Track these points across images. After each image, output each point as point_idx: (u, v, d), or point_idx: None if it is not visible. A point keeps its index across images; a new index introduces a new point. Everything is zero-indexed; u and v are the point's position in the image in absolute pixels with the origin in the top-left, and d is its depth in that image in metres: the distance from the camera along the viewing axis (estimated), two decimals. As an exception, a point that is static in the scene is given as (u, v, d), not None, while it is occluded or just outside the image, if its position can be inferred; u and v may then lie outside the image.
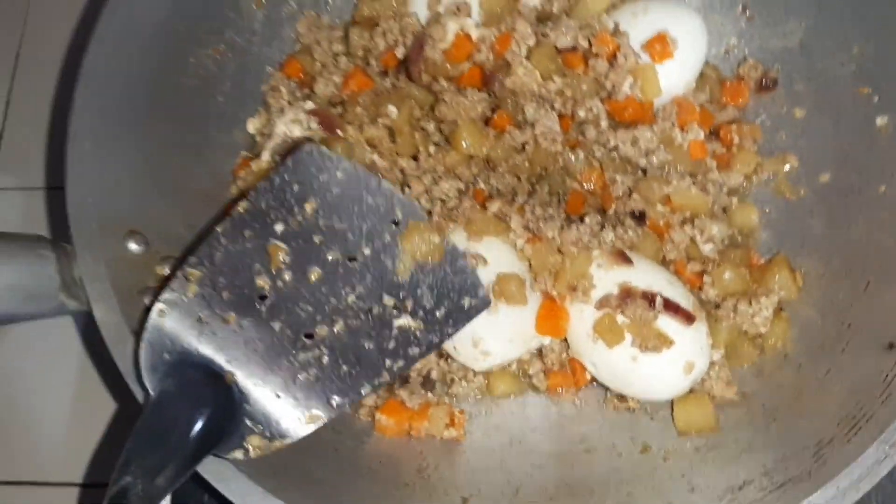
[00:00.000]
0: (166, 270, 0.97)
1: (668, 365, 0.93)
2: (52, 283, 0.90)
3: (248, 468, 0.85)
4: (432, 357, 1.02)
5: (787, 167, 1.09)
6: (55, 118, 1.34)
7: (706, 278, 1.01)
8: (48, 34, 1.40)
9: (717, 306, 1.00)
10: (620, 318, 0.92)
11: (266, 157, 1.06)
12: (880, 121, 1.01)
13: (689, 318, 0.93)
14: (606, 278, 0.95)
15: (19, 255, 0.89)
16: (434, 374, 1.03)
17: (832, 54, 1.07)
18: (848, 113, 1.05)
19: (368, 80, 1.08)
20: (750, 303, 0.97)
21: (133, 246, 0.96)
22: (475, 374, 1.03)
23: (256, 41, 1.16)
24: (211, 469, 0.84)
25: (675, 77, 1.06)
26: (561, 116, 1.03)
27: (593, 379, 1.01)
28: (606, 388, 1.01)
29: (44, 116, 1.34)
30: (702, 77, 1.11)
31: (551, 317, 0.96)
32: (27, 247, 0.91)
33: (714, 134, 1.10)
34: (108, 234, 0.93)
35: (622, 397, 1.00)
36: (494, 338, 0.96)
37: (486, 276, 0.94)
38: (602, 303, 0.93)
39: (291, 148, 1.01)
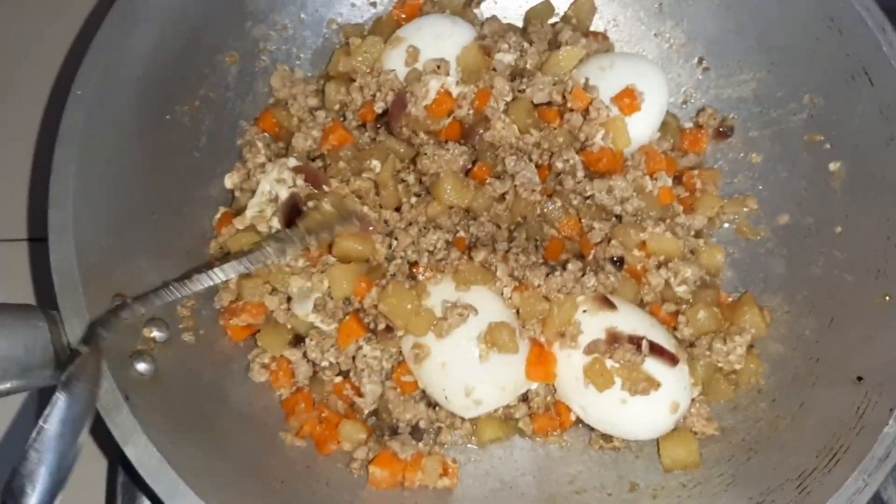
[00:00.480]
0: (154, 332, 0.97)
1: (656, 406, 0.97)
2: (45, 354, 0.88)
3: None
4: (421, 406, 1.04)
5: (746, 209, 1.15)
6: (36, 169, 1.31)
7: (681, 318, 1.06)
8: (26, 87, 1.37)
9: (692, 345, 1.05)
10: (609, 363, 0.96)
11: (250, 213, 1.07)
12: (833, 166, 1.08)
13: (673, 359, 0.97)
14: (593, 323, 0.98)
15: (13, 326, 0.86)
16: (422, 424, 1.04)
17: (784, 104, 1.14)
18: (802, 159, 1.12)
19: (347, 135, 1.10)
20: (724, 341, 1.02)
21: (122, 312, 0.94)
22: (462, 420, 1.05)
23: (231, 96, 1.17)
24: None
25: (641, 127, 1.12)
26: (539, 167, 1.08)
27: (578, 420, 1.05)
28: (591, 429, 1.04)
29: (25, 167, 1.31)
30: (664, 126, 1.17)
31: (541, 363, 0.99)
32: (21, 318, 0.88)
33: (677, 179, 1.16)
34: (93, 298, 0.91)
35: (607, 437, 1.04)
36: (487, 386, 0.98)
37: (476, 325, 0.97)
38: (591, 348, 0.97)
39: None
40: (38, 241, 1.26)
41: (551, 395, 1.05)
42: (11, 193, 1.29)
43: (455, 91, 1.10)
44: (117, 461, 1.07)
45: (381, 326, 1.00)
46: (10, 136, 1.33)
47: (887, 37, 1.03)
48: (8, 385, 0.86)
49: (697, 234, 1.14)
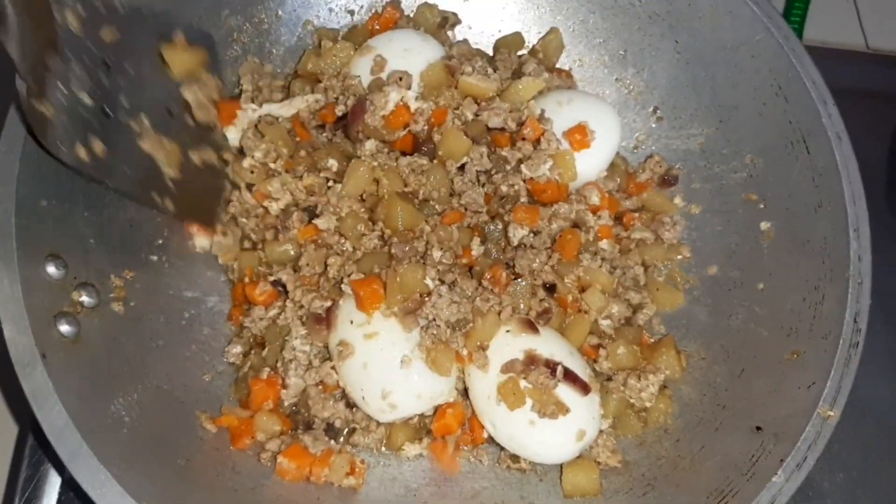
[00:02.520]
0: (83, 297, 0.98)
1: (563, 431, 0.99)
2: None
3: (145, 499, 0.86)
4: (340, 406, 1.05)
5: (680, 257, 1.19)
6: None
7: (602, 352, 1.09)
8: None
9: (609, 378, 1.08)
10: (523, 384, 0.99)
11: None
12: (764, 225, 1.13)
13: (585, 388, 1.00)
14: (513, 343, 1.01)
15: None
16: (338, 423, 1.06)
17: (728, 161, 1.20)
18: (737, 215, 1.17)
19: (306, 133, 1.13)
20: (639, 378, 1.06)
21: (52, 269, 0.95)
22: (377, 425, 1.06)
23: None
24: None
25: (590, 164, 1.16)
26: (484, 188, 1.11)
27: (490, 438, 1.07)
28: (502, 448, 1.07)
29: None
30: (612, 166, 1.21)
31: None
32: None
33: (618, 219, 1.20)
34: (27, 255, 0.92)
35: (515, 458, 1.06)
36: (404, 392, 1.00)
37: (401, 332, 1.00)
38: (508, 367, 0.99)
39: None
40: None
41: (468, 410, 1.07)
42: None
43: (413, 105, 1.13)
44: (28, 427, 1.07)
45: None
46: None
47: (827, 109, 1.08)
48: None
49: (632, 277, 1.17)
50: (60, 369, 0.89)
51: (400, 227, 1.07)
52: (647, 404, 1.07)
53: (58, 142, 0.92)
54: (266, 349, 1.08)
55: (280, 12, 1.25)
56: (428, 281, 1.03)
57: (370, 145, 1.11)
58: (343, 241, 1.08)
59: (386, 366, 1.00)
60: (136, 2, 1.03)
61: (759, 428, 0.97)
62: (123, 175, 1.00)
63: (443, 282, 1.04)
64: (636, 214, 1.21)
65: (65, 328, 0.93)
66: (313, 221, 1.08)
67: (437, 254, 1.04)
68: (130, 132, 1.01)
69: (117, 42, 0.99)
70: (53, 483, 1.06)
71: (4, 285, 0.89)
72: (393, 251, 1.04)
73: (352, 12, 1.29)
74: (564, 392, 0.99)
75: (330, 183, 1.11)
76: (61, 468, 0.93)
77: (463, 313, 1.02)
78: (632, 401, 1.07)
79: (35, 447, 1.06)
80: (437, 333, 1.01)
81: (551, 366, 0.99)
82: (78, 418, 0.87)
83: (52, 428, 0.86)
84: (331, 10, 1.28)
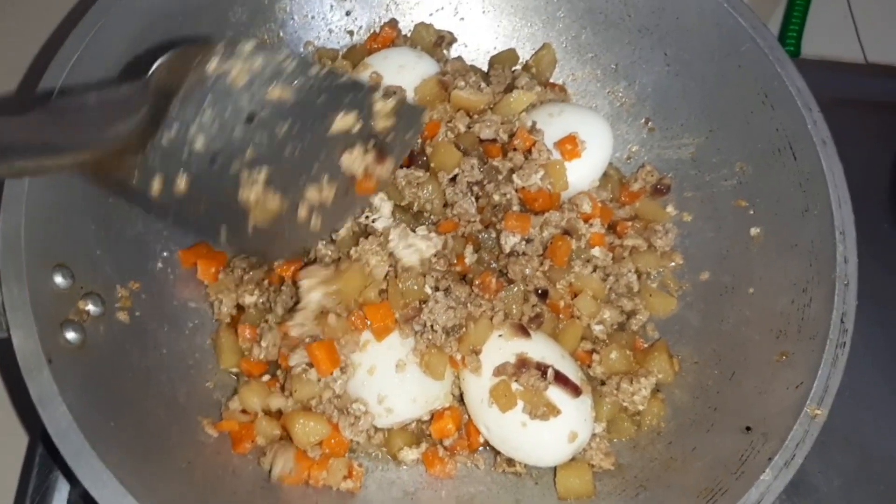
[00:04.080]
0: (89, 306, 1.01)
1: (554, 432, 1.01)
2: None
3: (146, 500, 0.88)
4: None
5: (673, 264, 1.21)
6: None
7: (595, 357, 1.11)
8: None
9: (603, 383, 1.10)
10: (515, 386, 1.01)
11: None
12: (754, 231, 1.15)
13: (576, 390, 1.02)
14: (505, 347, 1.03)
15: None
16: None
17: (718, 169, 1.22)
18: (728, 221, 1.19)
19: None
20: (631, 382, 1.07)
21: (59, 279, 0.99)
22: (375, 430, 1.08)
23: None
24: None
25: (581, 174, 1.19)
26: (477, 198, 1.14)
27: (486, 443, 1.09)
28: (497, 453, 1.08)
29: None
30: (605, 176, 1.24)
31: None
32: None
33: (611, 228, 1.22)
34: (35, 264, 0.96)
35: (510, 461, 1.08)
36: (399, 396, 1.03)
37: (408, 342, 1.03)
38: (499, 370, 1.02)
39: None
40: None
41: (465, 415, 1.09)
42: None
43: (406, 119, 1.16)
44: (38, 437, 1.11)
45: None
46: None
47: (812, 116, 1.10)
48: None
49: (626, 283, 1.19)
50: (66, 374, 0.92)
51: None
52: (640, 408, 1.08)
53: (135, 179, 0.87)
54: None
55: (281, 34, 1.30)
56: (427, 289, 1.06)
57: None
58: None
59: (381, 371, 1.03)
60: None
61: (748, 428, 0.99)
62: (193, 216, 0.92)
63: (438, 289, 1.07)
64: (629, 223, 1.23)
65: (71, 335, 0.97)
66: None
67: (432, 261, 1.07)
68: (232, 181, 0.91)
69: (285, 101, 0.91)
70: (62, 491, 1.09)
71: (13, 293, 0.93)
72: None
73: (351, 33, 1.34)
74: (555, 394, 1.01)
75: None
76: (70, 476, 0.96)
77: (458, 318, 1.04)
78: (625, 404, 1.08)
79: (45, 456, 1.09)
80: (432, 339, 1.03)
81: (542, 368, 1.01)
82: (82, 420, 0.89)
83: (56, 429, 0.88)
84: (330, 31, 1.33)
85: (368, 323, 1.03)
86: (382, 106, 0.96)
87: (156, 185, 0.88)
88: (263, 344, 1.08)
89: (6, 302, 0.93)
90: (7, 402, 1.19)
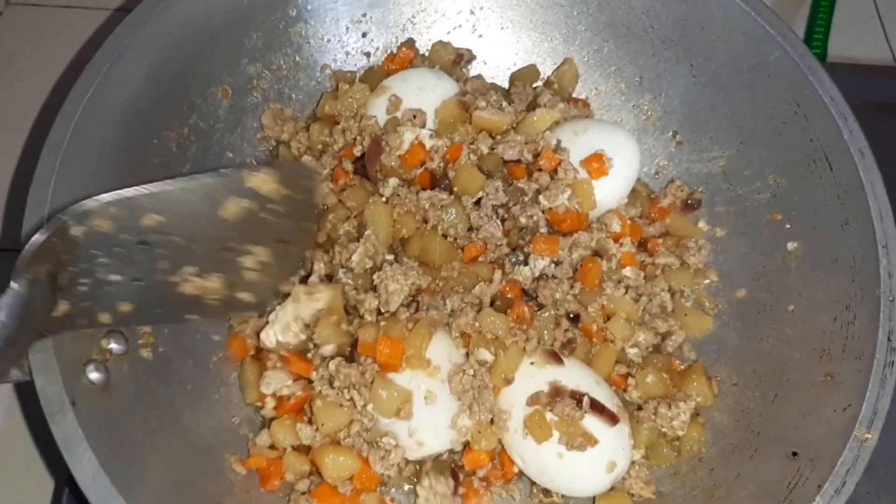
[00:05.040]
0: (111, 344, 0.99)
1: (592, 463, 0.98)
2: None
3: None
4: None
5: (707, 281, 1.18)
6: (15, 183, 1.36)
7: (630, 381, 1.08)
8: (17, 105, 1.44)
9: (640, 408, 1.07)
10: (549, 416, 0.98)
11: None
12: (791, 245, 1.11)
13: (613, 418, 0.98)
14: (538, 375, 1.00)
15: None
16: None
17: (750, 182, 1.18)
18: (763, 236, 1.15)
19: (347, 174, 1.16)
20: (669, 406, 1.04)
21: (81, 318, 0.97)
22: (407, 463, 1.06)
23: (220, 127, 1.22)
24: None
25: (609, 192, 1.16)
26: (503, 221, 1.11)
27: (521, 472, 1.05)
28: (533, 483, 1.05)
29: (5, 180, 1.37)
30: (633, 192, 1.21)
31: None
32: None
33: (642, 246, 1.19)
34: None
35: (547, 492, 1.04)
36: (429, 429, 1.00)
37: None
38: (533, 400, 0.98)
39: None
40: (10, 251, 1.30)
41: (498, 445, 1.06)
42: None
43: (428, 143, 1.14)
44: (63, 481, 1.09)
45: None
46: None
47: (848, 125, 1.06)
48: None
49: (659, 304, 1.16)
50: (90, 416, 0.90)
51: (437, 262, 1.08)
52: (680, 433, 1.04)
53: (80, 322, 0.93)
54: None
55: (297, 58, 1.28)
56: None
57: (392, 183, 1.12)
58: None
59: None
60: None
61: (794, 454, 0.95)
62: (152, 317, 1.00)
63: None
64: (660, 240, 1.20)
65: (94, 375, 0.94)
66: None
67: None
68: (167, 285, 0.97)
69: (161, 222, 0.93)
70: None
71: (36, 337, 0.91)
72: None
73: (368, 54, 1.32)
74: (592, 423, 0.98)
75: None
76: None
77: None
78: (664, 430, 1.05)
79: (70, 500, 1.07)
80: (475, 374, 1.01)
81: (577, 397, 0.98)
82: (108, 465, 0.87)
83: (82, 475, 0.86)
84: (347, 53, 1.31)
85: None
86: (261, 182, 0.96)
87: (104, 318, 0.94)
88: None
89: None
90: (31, 445, 1.17)
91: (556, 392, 0.98)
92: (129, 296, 0.95)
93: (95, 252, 0.91)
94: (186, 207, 0.94)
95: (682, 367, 1.12)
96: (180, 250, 0.95)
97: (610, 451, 0.98)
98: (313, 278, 1.09)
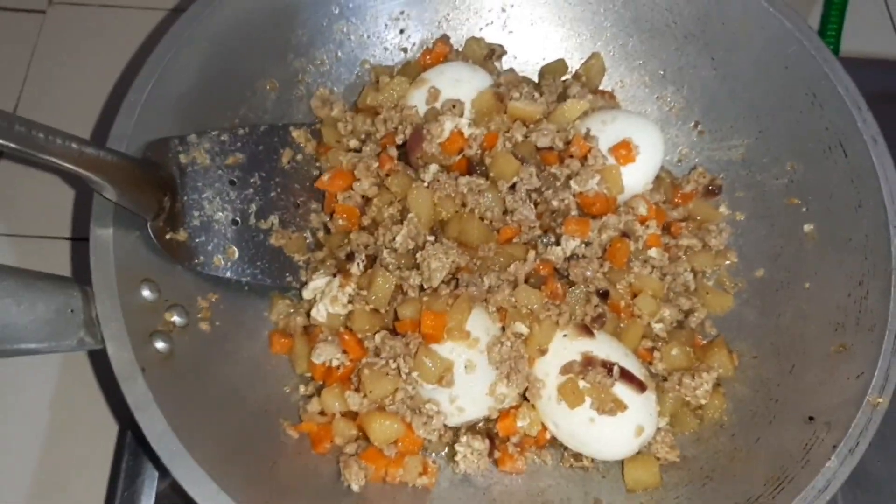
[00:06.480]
0: (174, 317, 1.07)
1: (621, 427, 1.05)
2: (75, 320, 0.99)
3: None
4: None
5: (728, 262, 1.25)
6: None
7: (656, 354, 1.15)
8: (81, 101, 1.53)
9: (665, 379, 1.14)
10: (582, 384, 1.05)
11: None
12: (807, 227, 1.18)
13: (641, 386, 1.06)
14: (571, 347, 1.08)
15: (50, 292, 0.98)
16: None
17: (768, 168, 1.25)
18: (780, 219, 1.22)
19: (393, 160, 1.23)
20: (693, 377, 1.11)
21: (146, 293, 1.05)
22: (446, 429, 1.13)
23: (267, 118, 1.29)
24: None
25: (635, 178, 1.22)
26: (536, 204, 1.18)
27: (553, 438, 1.13)
28: (564, 448, 1.12)
29: None
30: (658, 180, 1.28)
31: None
32: (57, 286, 0.99)
33: (666, 229, 1.26)
34: (124, 281, 1.02)
35: (578, 456, 1.12)
36: (469, 396, 1.07)
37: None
38: (566, 368, 1.06)
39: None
40: (79, 240, 1.40)
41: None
42: (59, 196, 1.44)
43: (467, 131, 1.21)
44: (127, 426, 1.18)
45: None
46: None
47: (862, 114, 1.13)
48: (36, 345, 0.97)
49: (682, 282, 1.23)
50: (158, 381, 0.97)
51: (475, 242, 1.15)
52: (703, 401, 1.11)
53: (198, 260, 1.11)
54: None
55: (339, 53, 1.36)
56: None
57: (433, 169, 1.20)
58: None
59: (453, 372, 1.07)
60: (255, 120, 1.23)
61: (811, 418, 1.02)
62: (257, 269, 1.17)
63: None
64: (683, 224, 1.27)
65: (160, 345, 1.03)
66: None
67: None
68: (260, 232, 1.18)
69: (242, 162, 1.17)
70: (151, 476, 1.15)
71: (106, 307, 0.99)
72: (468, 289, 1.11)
73: (405, 50, 1.39)
74: (621, 390, 1.05)
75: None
76: (156, 462, 1.02)
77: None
78: (687, 399, 1.12)
79: (133, 443, 1.16)
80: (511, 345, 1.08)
81: (608, 366, 1.05)
82: (175, 424, 0.95)
83: (153, 433, 0.94)
84: (385, 49, 1.39)
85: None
86: (298, 134, 1.25)
87: (219, 261, 1.14)
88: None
89: (100, 315, 0.99)
90: (99, 393, 1.29)
91: (588, 361, 1.05)
92: (232, 238, 1.14)
93: (199, 184, 1.12)
94: (256, 151, 1.19)
95: (705, 341, 1.19)
96: (261, 193, 1.17)
97: (638, 416, 1.05)
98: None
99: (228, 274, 1.14)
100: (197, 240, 1.11)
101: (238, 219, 1.16)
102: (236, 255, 1.15)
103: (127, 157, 1.03)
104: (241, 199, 1.16)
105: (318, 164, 1.26)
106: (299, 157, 1.23)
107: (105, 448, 1.23)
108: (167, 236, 1.08)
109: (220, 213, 1.14)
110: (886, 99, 1.61)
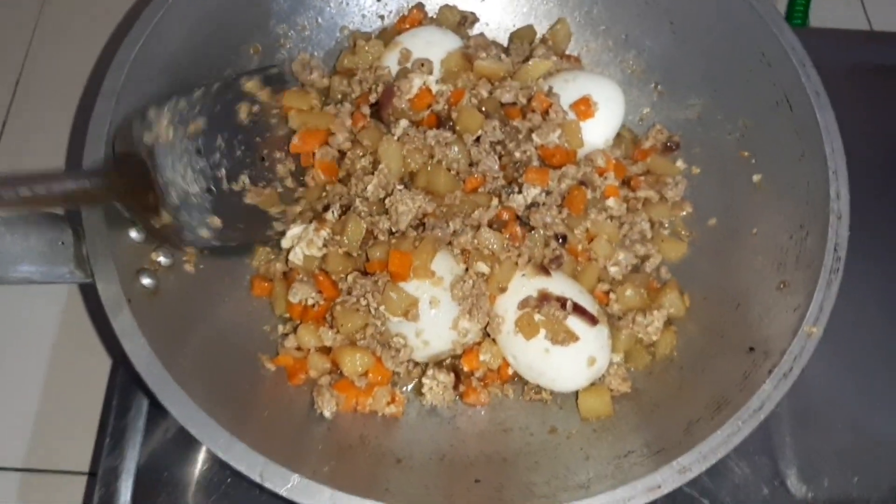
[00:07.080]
0: (160, 257, 1.15)
1: (575, 357, 1.13)
2: (66, 254, 1.07)
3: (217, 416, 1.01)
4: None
5: (683, 213, 1.32)
6: (76, 131, 1.56)
7: (611, 295, 1.22)
8: (74, 60, 1.66)
9: (620, 318, 1.21)
10: (537, 317, 1.12)
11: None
12: (756, 177, 1.25)
13: (593, 319, 1.13)
14: (528, 284, 1.15)
15: (43, 224, 1.07)
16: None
17: (722, 125, 1.32)
18: (732, 171, 1.29)
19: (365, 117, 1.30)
20: (645, 315, 1.18)
21: (134, 234, 1.14)
22: (415, 364, 1.20)
23: (249, 80, 1.37)
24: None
25: (595, 133, 1.30)
26: (500, 156, 1.26)
27: (515, 375, 1.20)
28: (525, 383, 1.20)
29: (64, 135, 1.60)
30: (618, 137, 1.35)
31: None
32: (49, 221, 1.08)
33: (626, 183, 1.33)
34: (113, 222, 1.10)
35: (537, 390, 1.19)
36: (433, 330, 1.15)
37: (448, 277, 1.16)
38: (523, 303, 1.13)
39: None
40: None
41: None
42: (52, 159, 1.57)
43: (435, 88, 1.29)
44: (119, 362, 1.26)
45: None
46: (51, 106, 1.63)
47: (806, 70, 1.20)
48: (28, 272, 1.05)
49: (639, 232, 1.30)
50: (143, 313, 1.05)
51: (442, 192, 1.22)
52: (654, 338, 1.19)
53: (186, 238, 1.12)
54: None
55: (319, 20, 1.43)
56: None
57: (403, 124, 1.27)
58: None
59: (418, 308, 1.15)
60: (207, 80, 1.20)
61: (751, 349, 1.09)
62: (240, 232, 1.18)
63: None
64: (642, 178, 1.34)
65: (146, 281, 1.10)
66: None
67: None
68: (235, 195, 1.15)
69: (203, 127, 1.13)
70: (141, 406, 1.23)
71: (96, 245, 1.07)
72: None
73: (382, 17, 1.47)
74: (574, 323, 1.12)
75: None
76: (147, 392, 1.09)
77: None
78: (640, 336, 1.19)
79: (125, 376, 1.25)
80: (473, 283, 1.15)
81: (561, 301, 1.12)
82: (159, 351, 1.03)
83: (138, 359, 1.02)
84: (363, 16, 1.46)
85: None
86: (251, 85, 1.19)
87: (205, 233, 1.13)
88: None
89: (90, 252, 1.07)
90: (93, 332, 1.43)
91: (544, 297, 1.13)
92: (212, 208, 1.12)
93: (169, 161, 1.09)
94: (213, 112, 1.14)
95: (659, 285, 1.26)
96: (227, 155, 1.14)
97: (590, 348, 1.13)
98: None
99: (217, 243, 1.15)
100: (181, 219, 1.10)
101: (212, 187, 1.13)
102: (218, 223, 1.13)
103: (106, 170, 1.09)
104: (210, 166, 1.12)
105: (275, 111, 1.21)
106: (255, 108, 1.18)
107: (100, 381, 1.35)
108: (155, 225, 1.10)
109: (195, 186, 1.11)
110: (851, 69, 1.70)
